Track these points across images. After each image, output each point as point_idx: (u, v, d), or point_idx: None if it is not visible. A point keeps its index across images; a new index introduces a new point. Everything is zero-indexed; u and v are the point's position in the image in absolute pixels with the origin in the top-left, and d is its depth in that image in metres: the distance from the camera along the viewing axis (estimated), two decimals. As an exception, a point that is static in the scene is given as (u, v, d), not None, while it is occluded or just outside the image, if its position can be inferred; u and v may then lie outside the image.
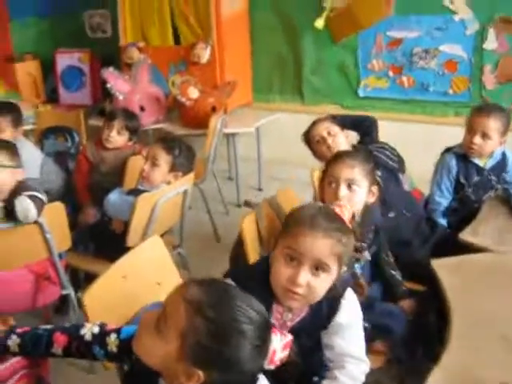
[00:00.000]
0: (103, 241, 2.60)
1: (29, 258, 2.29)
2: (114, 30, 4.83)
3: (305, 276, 1.38)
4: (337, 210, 1.63)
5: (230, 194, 4.25)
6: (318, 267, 1.39)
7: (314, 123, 2.70)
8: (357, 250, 1.82)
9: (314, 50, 4.50)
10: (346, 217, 1.66)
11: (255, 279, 1.46)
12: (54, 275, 2.39)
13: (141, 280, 1.77)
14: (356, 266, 1.94)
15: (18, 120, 2.91)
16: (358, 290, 1.68)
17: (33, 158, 2.87)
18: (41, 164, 2.93)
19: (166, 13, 4.26)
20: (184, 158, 2.52)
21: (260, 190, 4.51)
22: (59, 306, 2.77)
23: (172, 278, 1.85)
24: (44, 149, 3.67)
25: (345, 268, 1.49)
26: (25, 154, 2.74)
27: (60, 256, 2.38)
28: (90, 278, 2.72)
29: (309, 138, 2.69)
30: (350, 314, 1.51)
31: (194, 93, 3.85)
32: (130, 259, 1.76)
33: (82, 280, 2.80)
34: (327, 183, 2.01)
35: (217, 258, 2.44)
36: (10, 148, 2.30)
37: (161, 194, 2.40)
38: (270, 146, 4.56)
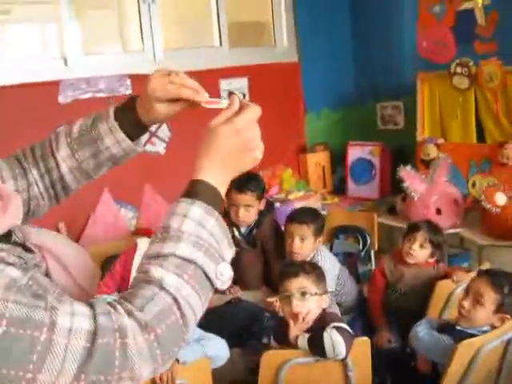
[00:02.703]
0: (404, 376, 2.28)
1: (325, 394, 2.06)
2: (407, 123, 4.63)
3: None
4: None
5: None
6: None
7: None
8: None
9: None
10: None
11: None
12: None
13: None
14: None
15: (320, 229, 2.78)
16: None
17: (332, 268, 2.70)
18: (338, 274, 2.75)
19: (471, 108, 3.92)
20: (515, 298, 2.09)
21: None
22: None
23: None
24: (333, 249, 3.54)
25: None
26: (324, 266, 2.60)
27: (357, 393, 2.11)
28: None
29: None
30: None
31: (501, 199, 3.39)
32: None
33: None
34: None
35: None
36: (317, 272, 2.15)
37: (485, 340, 1.99)
38: None
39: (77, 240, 3.71)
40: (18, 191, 1.13)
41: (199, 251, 0.88)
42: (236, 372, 2.32)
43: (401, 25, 4.61)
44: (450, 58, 4.09)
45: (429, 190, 3.71)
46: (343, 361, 1.94)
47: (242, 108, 1.00)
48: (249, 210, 2.85)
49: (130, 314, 0.82)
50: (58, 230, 3.62)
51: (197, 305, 0.87)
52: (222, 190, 0.98)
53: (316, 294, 2.07)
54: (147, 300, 0.83)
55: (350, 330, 1.98)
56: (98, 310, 0.81)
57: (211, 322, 2.40)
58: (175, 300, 0.84)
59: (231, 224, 2.89)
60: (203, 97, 1.09)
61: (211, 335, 2.10)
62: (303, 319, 2.03)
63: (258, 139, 1.01)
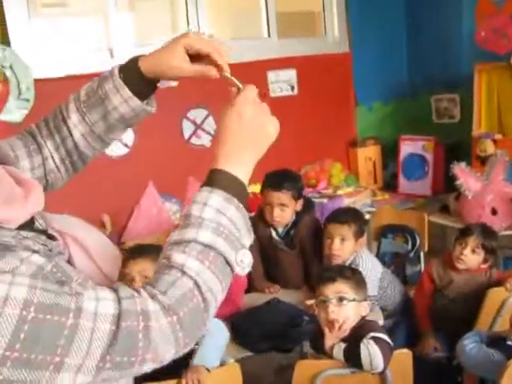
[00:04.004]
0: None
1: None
2: (463, 116, 4.41)
3: None
4: None
5: None
6: None
7: None
8: None
9: None
10: None
11: None
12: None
13: None
14: None
15: (361, 230, 2.64)
16: None
17: (374, 272, 2.57)
18: (380, 278, 2.62)
19: (532, 102, 3.69)
20: None
21: None
22: None
23: None
24: (380, 248, 3.41)
25: None
26: (365, 269, 2.50)
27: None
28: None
29: None
30: None
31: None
32: None
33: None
34: None
35: None
36: (356, 278, 2.03)
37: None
38: None
39: (120, 233, 3.71)
40: (34, 168, 1.15)
41: (219, 237, 0.89)
42: (271, 376, 2.25)
43: (458, 12, 4.37)
44: (510, 49, 3.87)
45: (484, 189, 3.52)
46: (382, 374, 1.83)
47: (239, 91, 1.01)
48: (284, 210, 2.70)
49: (153, 297, 0.83)
50: (102, 222, 3.63)
51: (217, 290, 0.89)
52: (244, 177, 0.97)
53: (354, 300, 1.95)
54: (169, 284, 0.85)
55: (389, 340, 1.86)
56: (121, 294, 0.83)
57: (249, 321, 2.36)
58: (197, 285, 0.86)
59: (267, 225, 2.79)
60: (225, 64, 1.09)
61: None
62: (340, 327, 1.92)
63: (262, 115, 1.00)
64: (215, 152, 0.98)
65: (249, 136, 0.97)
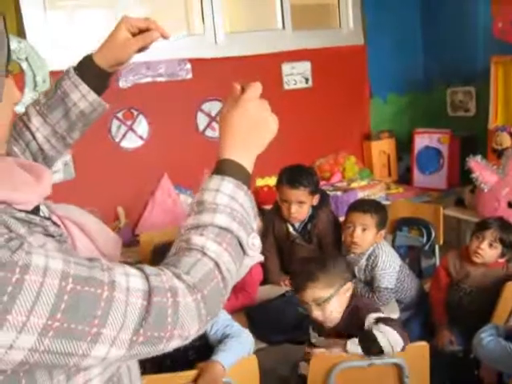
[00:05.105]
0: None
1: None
2: (479, 110, 4.37)
3: None
4: None
5: None
6: None
7: None
8: None
9: None
10: None
11: None
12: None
13: None
14: None
15: (383, 223, 2.63)
16: None
17: (393, 264, 2.56)
18: (398, 271, 2.61)
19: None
20: None
21: None
22: None
23: None
24: (395, 241, 3.40)
25: None
26: (385, 261, 2.50)
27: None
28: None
29: None
30: None
31: None
32: None
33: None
34: None
35: None
36: (324, 273, 1.99)
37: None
38: None
39: (135, 225, 3.73)
40: None
41: (234, 221, 0.95)
42: (286, 369, 2.26)
43: (474, 4, 4.31)
44: (528, 41, 3.83)
45: (500, 182, 3.49)
46: (397, 365, 1.83)
47: (243, 89, 1.06)
48: (301, 207, 2.72)
49: (178, 276, 0.86)
50: (116, 214, 3.64)
51: (233, 270, 0.94)
52: (249, 167, 1.03)
53: (331, 296, 1.96)
54: (191, 265, 0.89)
55: (392, 317, 1.88)
56: (148, 272, 0.86)
57: (264, 314, 2.36)
58: (217, 265, 0.90)
59: (284, 220, 2.79)
60: (164, 30, 1.27)
61: (237, 330, 2.00)
62: (331, 320, 1.99)
63: (265, 112, 1.05)
64: (222, 144, 1.03)
65: (254, 130, 1.03)
